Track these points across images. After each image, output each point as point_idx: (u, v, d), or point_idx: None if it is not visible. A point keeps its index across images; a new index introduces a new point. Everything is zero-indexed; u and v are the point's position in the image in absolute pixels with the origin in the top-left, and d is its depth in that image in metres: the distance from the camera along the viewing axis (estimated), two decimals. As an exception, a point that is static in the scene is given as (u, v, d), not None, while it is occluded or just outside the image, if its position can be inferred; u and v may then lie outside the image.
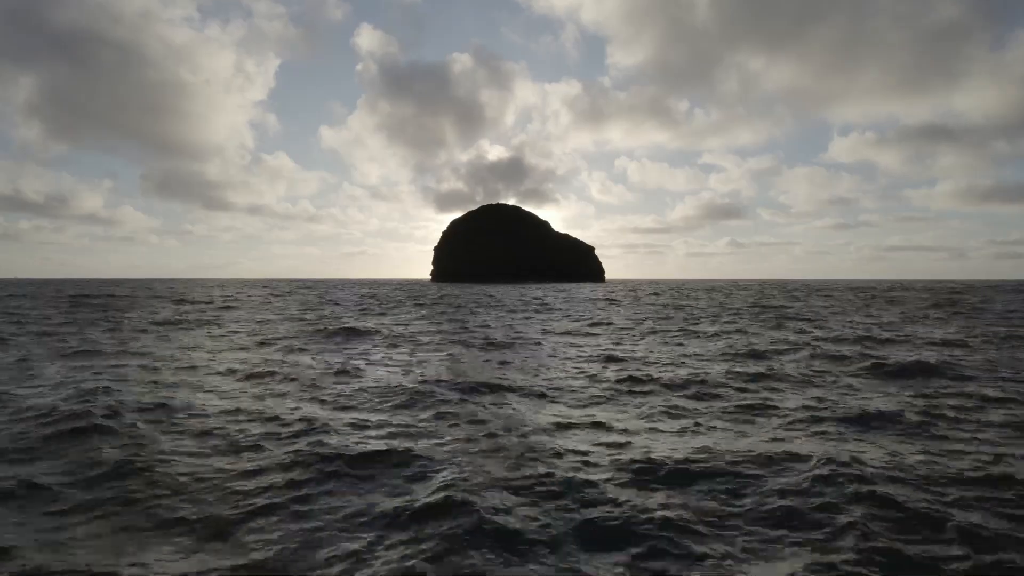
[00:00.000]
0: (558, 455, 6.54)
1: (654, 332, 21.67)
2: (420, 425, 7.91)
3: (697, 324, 25.18)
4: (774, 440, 7.29)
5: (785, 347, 16.58)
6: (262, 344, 17.48)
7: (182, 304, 40.36)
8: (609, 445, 7.03)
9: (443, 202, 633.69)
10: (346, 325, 23.19)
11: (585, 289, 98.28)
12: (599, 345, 17.55)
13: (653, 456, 6.50)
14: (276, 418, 8.07)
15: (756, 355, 15.13)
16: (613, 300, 51.51)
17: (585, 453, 6.65)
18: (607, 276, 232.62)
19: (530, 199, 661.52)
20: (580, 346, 17.31)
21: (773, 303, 43.67)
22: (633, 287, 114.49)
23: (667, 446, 7.01)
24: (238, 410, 8.58)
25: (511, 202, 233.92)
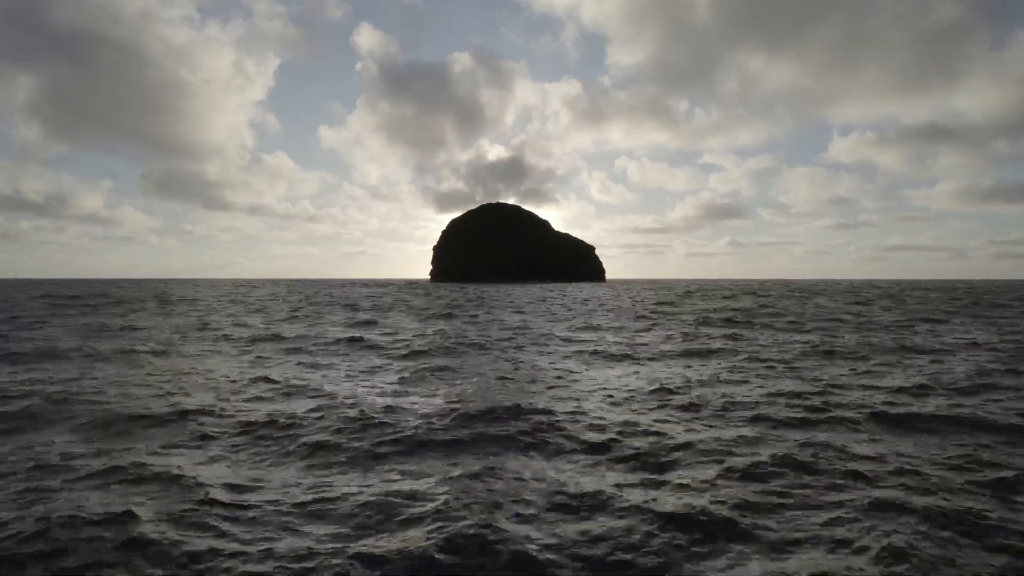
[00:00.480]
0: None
1: (685, 336, 19.72)
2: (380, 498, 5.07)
3: (725, 330, 23.26)
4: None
5: (823, 361, 14.68)
6: (215, 353, 15.51)
7: (167, 305, 38.44)
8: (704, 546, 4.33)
9: (443, 202, 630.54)
10: (331, 331, 21.23)
11: (587, 289, 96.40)
12: (626, 356, 15.62)
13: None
14: (151, 478, 5.53)
15: (793, 368, 13.23)
16: (617, 299, 49.59)
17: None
18: (607, 276, 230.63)
19: (530, 199, 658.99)
20: (599, 352, 15.37)
21: (791, 307, 41.71)
22: (636, 287, 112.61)
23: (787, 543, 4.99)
24: (106, 465, 5.93)
25: (511, 202, 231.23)
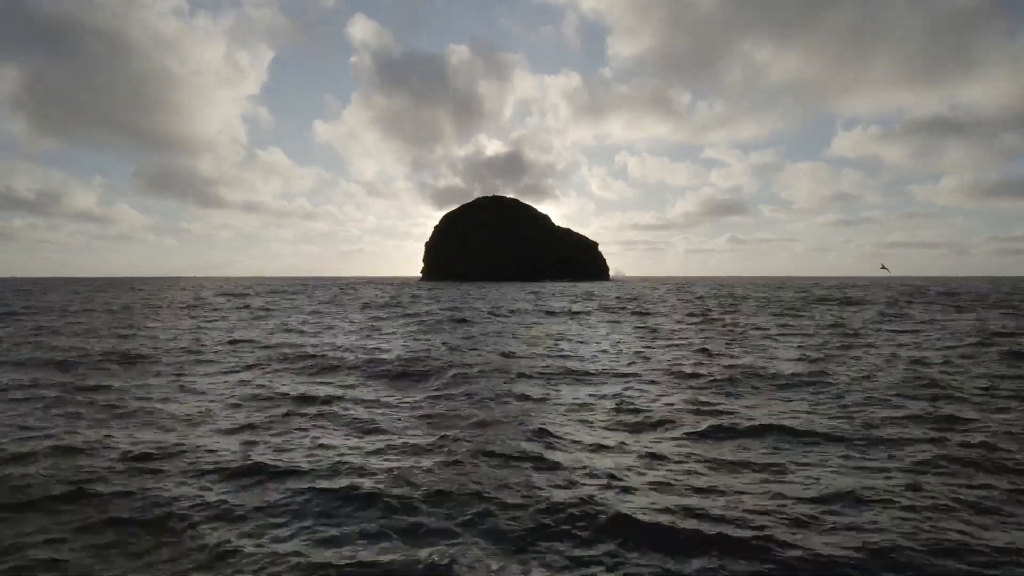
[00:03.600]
0: None
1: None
2: None
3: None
4: None
5: None
6: None
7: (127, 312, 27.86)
8: None
9: (440, 199, 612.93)
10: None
11: (598, 288, 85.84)
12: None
13: None
14: None
15: None
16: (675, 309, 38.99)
17: None
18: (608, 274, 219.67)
19: (529, 195, 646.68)
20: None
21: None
22: (658, 285, 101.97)
23: None
24: None
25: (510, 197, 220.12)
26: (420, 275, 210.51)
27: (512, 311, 24.79)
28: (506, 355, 15.50)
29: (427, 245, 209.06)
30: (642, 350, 16.48)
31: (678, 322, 25.85)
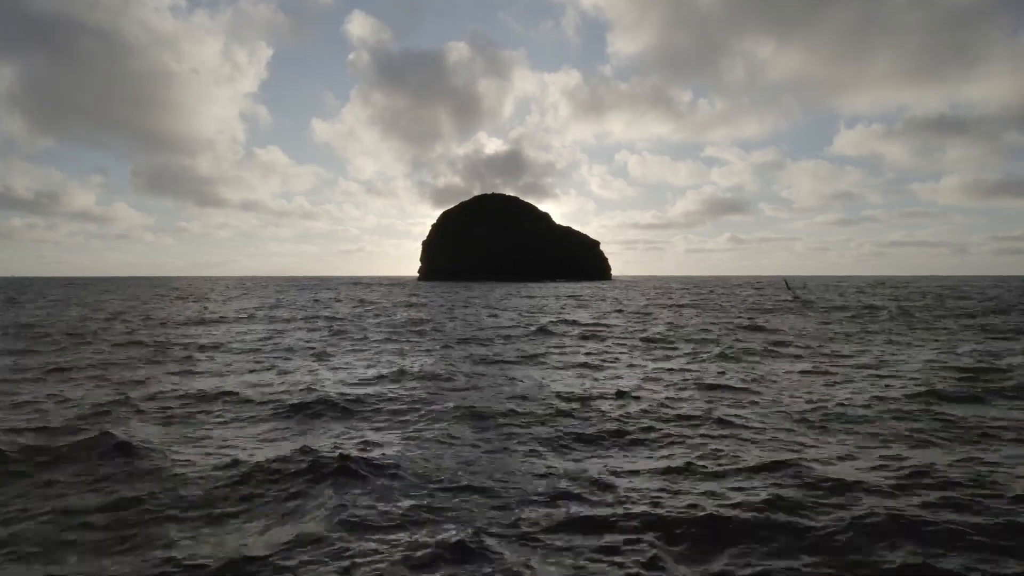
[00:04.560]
0: None
1: None
2: None
3: None
4: None
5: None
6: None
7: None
8: None
9: (439, 198, 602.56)
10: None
11: (602, 290, 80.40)
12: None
13: None
14: None
15: None
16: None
17: None
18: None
19: (529, 194, 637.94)
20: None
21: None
22: (680, 284, 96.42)
23: None
24: None
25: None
26: (417, 275, 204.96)
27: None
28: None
29: (425, 244, 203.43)
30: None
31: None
